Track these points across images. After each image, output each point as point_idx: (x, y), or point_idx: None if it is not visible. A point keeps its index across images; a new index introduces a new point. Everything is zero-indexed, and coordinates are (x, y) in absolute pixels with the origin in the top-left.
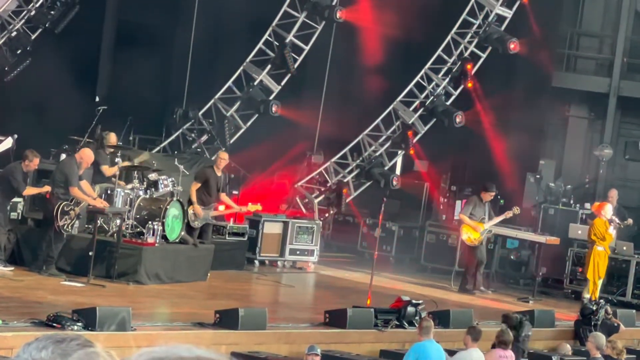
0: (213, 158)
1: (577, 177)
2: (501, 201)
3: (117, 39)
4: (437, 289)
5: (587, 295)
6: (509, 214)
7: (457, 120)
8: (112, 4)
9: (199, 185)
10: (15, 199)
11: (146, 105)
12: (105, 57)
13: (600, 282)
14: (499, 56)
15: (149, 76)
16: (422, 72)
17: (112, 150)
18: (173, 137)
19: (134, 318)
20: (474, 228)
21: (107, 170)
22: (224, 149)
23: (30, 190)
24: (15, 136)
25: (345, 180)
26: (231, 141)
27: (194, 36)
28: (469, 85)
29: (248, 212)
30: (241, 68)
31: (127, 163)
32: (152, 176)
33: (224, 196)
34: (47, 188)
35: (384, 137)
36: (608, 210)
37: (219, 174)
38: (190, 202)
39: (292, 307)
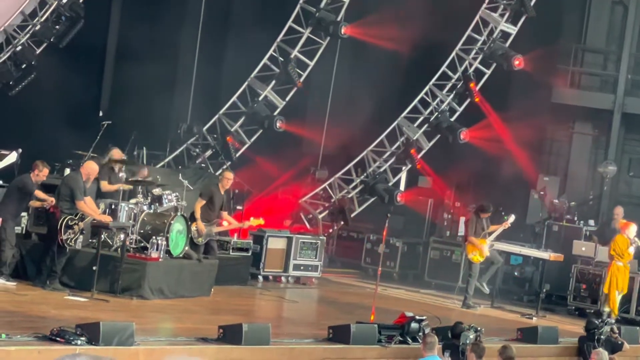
0: (218, 176)
1: (581, 193)
2: (505, 217)
3: (121, 53)
4: (440, 304)
5: (606, 309)
6: (505, 225)
7: (462, 136)
8: (116, 19)
9: (204, 202)
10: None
11: (150, 120)
12: (109, 72)
13: (619, 297)
14: (503, 72)
15: (153, 91)
16: (427, 88)
17: (116, 165)
18: (177, 152)
19: (137, 333)
20: (480, 247)
21: (105, 185)
22: (229, 163)
23: (40, 194)
24: (20, 150)
25: (350, 195)
26: (236, 155)
27: (198, 51)
28: (476, 99)
29: (251, 227)
30: (246, 83)
31: (127, 187)
32: (156, 191)
33: (225, 214)
34: (52, 199)
35: (388, 153)
36: (632, 230)
37: (222, 193)
38: (193, 218)
39: (296, 323)
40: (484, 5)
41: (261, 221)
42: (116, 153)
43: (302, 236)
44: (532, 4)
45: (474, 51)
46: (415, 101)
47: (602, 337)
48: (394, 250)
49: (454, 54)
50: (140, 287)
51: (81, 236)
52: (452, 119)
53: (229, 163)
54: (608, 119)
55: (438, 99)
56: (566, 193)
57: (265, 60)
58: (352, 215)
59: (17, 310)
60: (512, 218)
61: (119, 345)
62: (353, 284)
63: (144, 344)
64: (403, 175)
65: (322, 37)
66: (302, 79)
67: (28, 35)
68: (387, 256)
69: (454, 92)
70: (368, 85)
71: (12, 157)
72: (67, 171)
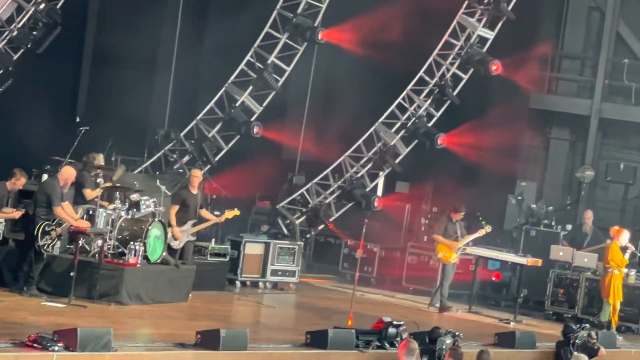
0: (187, 176)
1: (559, 198)
2: (483, 222)
3: (98, 59)
4: (418, 309)
5: (604, 320)
6: (481, 232)
7: (439, 141)
8: (93, 25)
9: (177, 208)
10: None
11: (128, 125)
12: (86, 78)
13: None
14: (481, 78)
15: (131, 97)
16: (404, 93)
17: (97, 171)
18: (155, 157)
19: (115, 339)
20: (449, 247)
21: (89, 193)
22: (208, 167)
23: (4, 213)
24: None
25: (327, 201)
26: (216, 159)
27: (175, 56)
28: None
29: (227, 219)
30: (223, 89)
31: (108, 184)
32: (134, 197)
33: (203, 211)
34: (18, 213)
35: (365, 159)
36: (625, 237)
37: (195, 192)
38: (169, 225)
39: (273, 328)
40: (462, 10)
41: (236, 212)
42: (101, 158)
43: (280, 242)
44: (509, 8)
45: (451, 56)
46: (393, 106)
47: (577, 341)
48: (371, 256)
49: (431, 59)
50: (118, 293)
51: (58, 242)
52: (430, 125)
53: (208, 167)
54: (585, 125)
55: (415, 105)
56: (543, 198)
57: (242, 66)
58: (331, 220)
59: None
60: (489, 228)
61: (96, 351)
62: (331, 289)
63: (122, 349)
64: (380, 181)
65: (299, 42)
66: (279, 84)
67: (5, 41)
68: (365, 261)
69: (431, 97)
70: (345, 90)
71: None
72: (45, 177)
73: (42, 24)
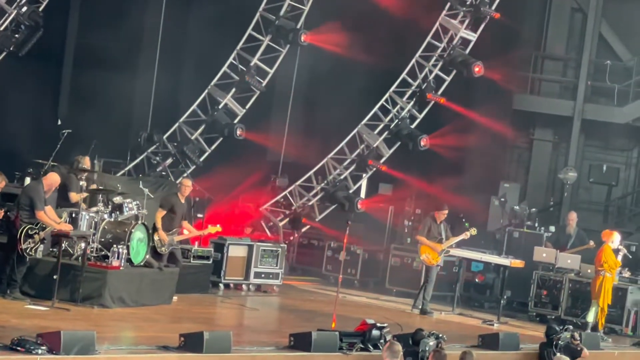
0: (177, 184)
1: (542, 200)
2: (466, 224)
3: (80, 62)
4: (401, 311)
5: (590, 321)
6: (466, 235)
7: (422, 143)
8: (75, 28)
9: (164, 212)
10: None
11: (110, 128)
12: (67, 80)
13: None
14: (464, 79)
15: (113, 99)
16: (387, 95)
17: (85, 174)
18: (138, 160)
19: (98, 342)
20: (433, 248)
21: (74, 196)
22: (193, 167)
23: None
24: None
25: (310, 203)
26: (201, 159)
27: (158, 59)
28: (442, 101)
29: (210, 234)
30: (206, 91)
31: (93, 186)
32: (117, 199)
33: (185, 223)
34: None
35: (348, 161)
36: (616, 238)
37: (183, 201)
38: (155, 229)
39: (257, 330)
40: (444, 12)
41: (219, 228)
42: (87, 162)
43: (263, 244)
44: (493, 8)
45: (433, 58)
46: (376, 108)
47: (560, 343)
48: (354, 258)
49: (413, 61)
50: (101, 296)
51: (42, 245)
52: (413, 126)
53: (193, 167)
54: (568, 126)
55: (398, 106)
56: (527, 199)
57: (225, 68)
58: (317, 220)
59: None
60: (474, 231)
61: (79, 355)
62: (314, 292)
63: (105, 352)
64: (363, 183)
65: (282, 44)
66: (262, 86)
67: None
68: (348, 263)
69: (414, 99)
70: (328, 92)
71: None
72: (28, 180)
73: (25, 26)
